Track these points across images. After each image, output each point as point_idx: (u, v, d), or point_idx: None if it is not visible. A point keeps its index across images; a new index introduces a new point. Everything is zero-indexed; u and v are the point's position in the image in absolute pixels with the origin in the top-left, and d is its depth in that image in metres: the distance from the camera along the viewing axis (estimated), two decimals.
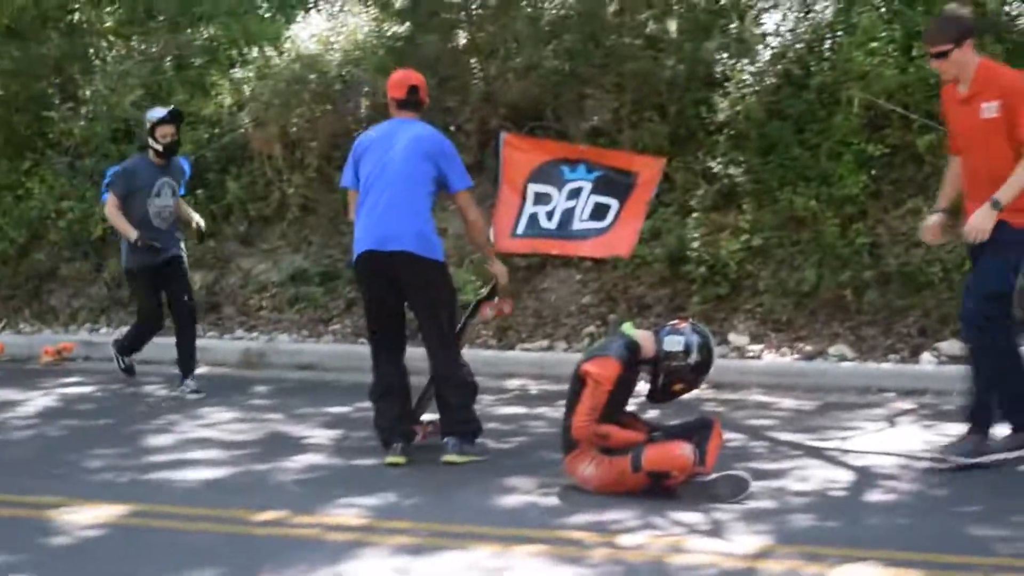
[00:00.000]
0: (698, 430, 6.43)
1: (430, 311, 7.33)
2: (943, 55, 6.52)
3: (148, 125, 9.74)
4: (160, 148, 9.65)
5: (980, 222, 6.27)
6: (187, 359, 9.86)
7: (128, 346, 10.35)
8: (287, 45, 14.60)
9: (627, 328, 6.58)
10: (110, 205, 9.70)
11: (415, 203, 7.21)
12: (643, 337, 6.46)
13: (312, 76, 13.46)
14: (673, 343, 6.38)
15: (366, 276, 7.36)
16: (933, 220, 6.98)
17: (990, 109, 6.42)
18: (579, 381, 6.33)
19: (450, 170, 7.51)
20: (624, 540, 5.48)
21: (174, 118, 9.80)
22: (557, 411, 7.10)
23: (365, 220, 7.24)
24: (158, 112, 9.81)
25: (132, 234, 9.53)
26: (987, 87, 6.48)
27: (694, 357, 6.36)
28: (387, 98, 7.78)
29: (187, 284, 10.13)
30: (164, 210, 9.76)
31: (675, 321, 6.70)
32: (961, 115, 6.69)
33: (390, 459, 7.09)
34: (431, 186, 7.34)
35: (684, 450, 6.12)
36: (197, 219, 10.38)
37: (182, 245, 10.08)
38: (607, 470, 6.23)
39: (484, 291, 7.94)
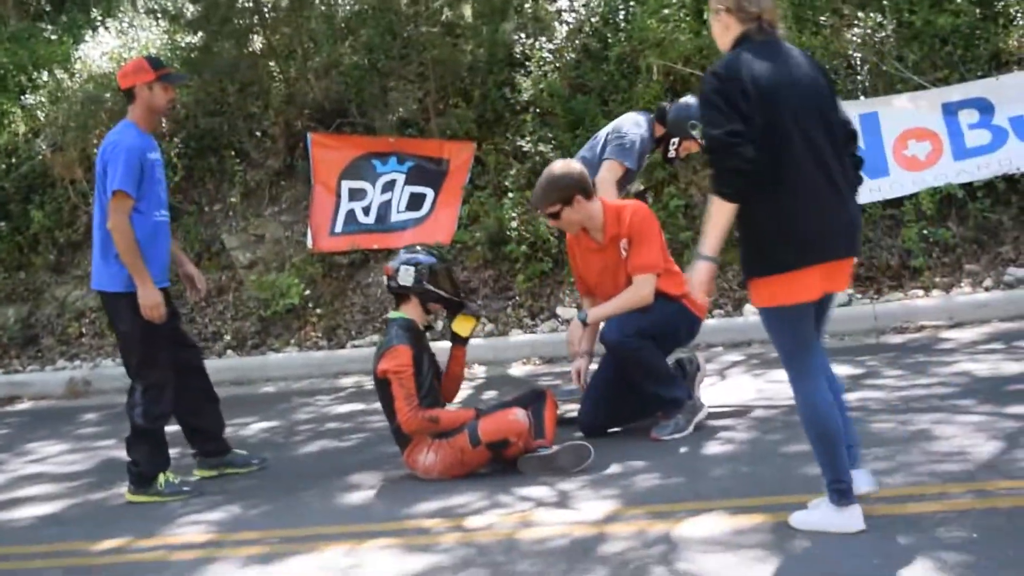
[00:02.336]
0: (531, 402, 6.49)
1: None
2: (555, 216, 6.75)
3: None
4: None
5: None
6: None
7: None
8: (78, 66, 14.22)
9: (391, 313, 6.63)
10: None
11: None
12: (409, 309, 6.51)
13: (107, 95, 13.09)
14: (406, 275, 6.47)
15: None
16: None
17: (625, 247, 6.75)
18: (383, 384, 6.32)
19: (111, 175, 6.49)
20: (473, 522, 5.47)
21: None
22: None
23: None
24: None
25: None
26: (620, 228, 6.75)
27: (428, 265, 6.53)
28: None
29: None
30: None
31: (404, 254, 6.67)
32: (596, 260, 6.93)
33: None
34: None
35: (518, 415, 6.16)
36: None
37: None
38: (447, 452, 6.22)
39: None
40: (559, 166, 6.85)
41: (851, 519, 4.59)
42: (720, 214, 4.47)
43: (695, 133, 7.74)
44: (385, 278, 6.68)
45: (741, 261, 4.70)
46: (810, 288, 4.52)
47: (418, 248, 6.72)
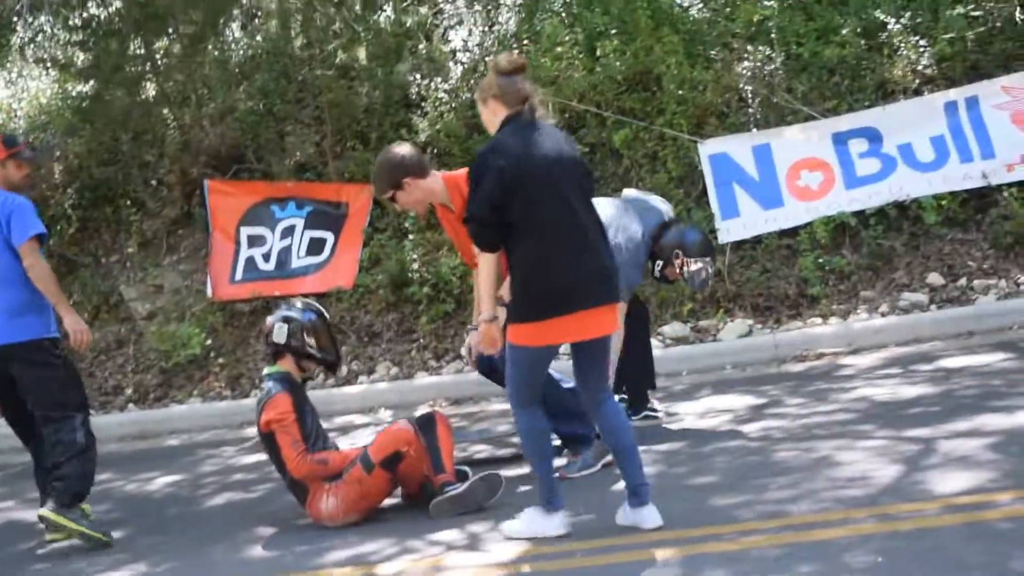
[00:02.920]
0: (422, 427, 6.30)
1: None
2: (393, 200, 6.58)
3: None
4: None
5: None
6: None
7: None
8: None
9: (267, 368, 6.59)
10: None
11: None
12: (285, 364, 6.46)
13: None
14: (280, 333, 6.45)
15: None
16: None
17: None
18: (268, 438, 6.27)
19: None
20: (383, 569, 5.42)
21: None
22: None
23: None
24: None
25: None
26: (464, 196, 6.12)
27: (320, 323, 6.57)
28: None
29: None
30: None
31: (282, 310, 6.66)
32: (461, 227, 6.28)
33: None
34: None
35: (400, 424, 6.19)
36: None
37: None
38: (346, 490, 6.15)
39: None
40: (385, 152, 6.57)
41: (558, 524, 5.35)
42: (484, 262, 5.22)
43: (676, 263, 7.30)
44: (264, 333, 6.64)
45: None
46: (557, 334, 5.13)
47: (298, 304, 6.69)
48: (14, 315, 6.57)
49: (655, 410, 7.65)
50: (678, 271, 7.25)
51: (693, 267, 7.19)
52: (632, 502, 5.28)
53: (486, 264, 5.21)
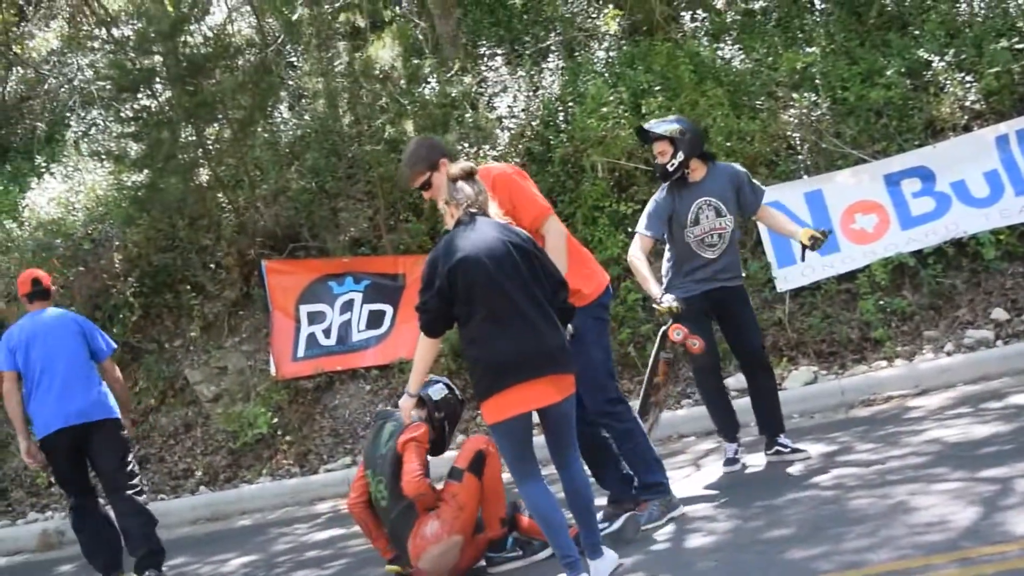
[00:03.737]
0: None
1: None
2: (427, 187, 6.49)
3: None
4: None
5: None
6: None
7: None
8: (26, 214, 14.22)
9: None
10: None
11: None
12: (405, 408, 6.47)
13: (58, 241, 13.12)
14: (438, 390, 6.76)
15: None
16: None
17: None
18: (397, 460, 6.32)
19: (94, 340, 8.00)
20: None
21: None
22: None
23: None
24: None
25: None
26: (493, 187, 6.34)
27: (456, 394, 6.91)
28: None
29: None
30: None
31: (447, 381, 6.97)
32: None
33: None
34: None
35: (471, 437, 6.52)
36: None
37: None
38: (444, 509, 6.23)
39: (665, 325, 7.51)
40: (415, 140, 6.90)
41: None
42: (422, 345, 5.82)
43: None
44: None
45: None
46: (514, 405, 5.52)
47: (457, 391, 6.98)
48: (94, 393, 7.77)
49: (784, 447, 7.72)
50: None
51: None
52: (592, 555, 5.64)
53: (423, 347, 5.83)
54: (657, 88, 12.07)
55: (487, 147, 12.52)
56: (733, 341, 7.68)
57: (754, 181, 7.72)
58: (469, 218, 5.78)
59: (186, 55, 12.86)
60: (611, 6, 14.48)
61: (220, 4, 16.19)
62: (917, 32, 11.94)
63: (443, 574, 6.22)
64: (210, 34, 14.10)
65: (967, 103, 11.11)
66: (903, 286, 10.39)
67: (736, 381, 9.77)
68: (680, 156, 7.39)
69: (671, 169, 7.42)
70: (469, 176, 5.88)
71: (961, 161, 10.60)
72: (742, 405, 8.06)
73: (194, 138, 12.97)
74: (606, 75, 12.73)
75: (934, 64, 11.29)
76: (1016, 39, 11.16)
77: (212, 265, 13.05)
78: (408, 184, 6.75)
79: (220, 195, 13.36)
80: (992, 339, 9.70)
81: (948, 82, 11.17)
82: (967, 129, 11.01)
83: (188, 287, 12.88)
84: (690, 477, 7.96)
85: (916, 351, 9.88)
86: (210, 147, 13.22)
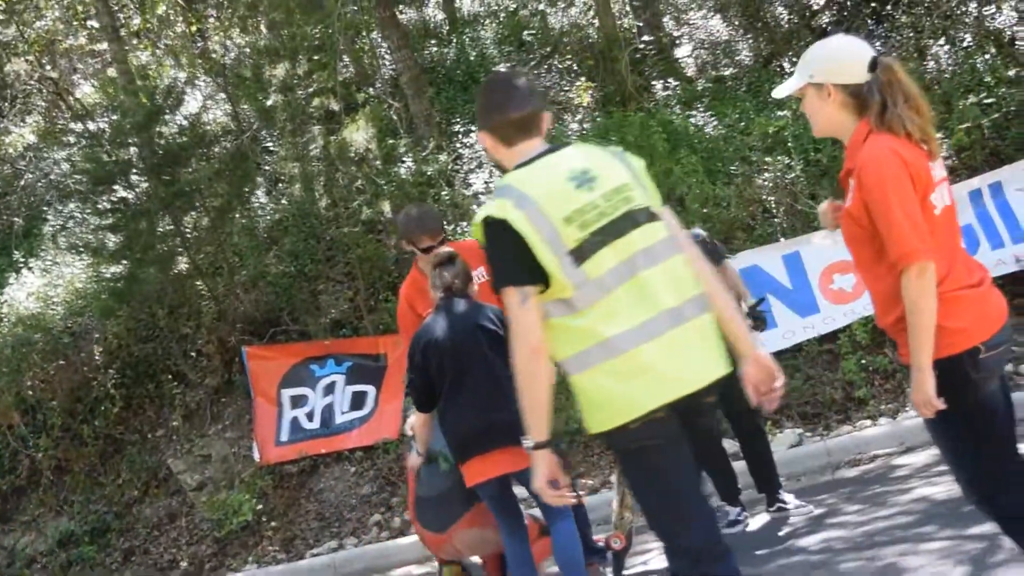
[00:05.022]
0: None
1: None
2: (438, 245, 6.99)
3: None
4: None
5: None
6: None
7: None
8: (4, 310, 14.19)
9: None
10: None
11: None
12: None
13: (37, 335, 13.06)
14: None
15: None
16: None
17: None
18: None
19: None
20: None
21: None
22: None
23: None
24: None
25: None
26: None
27: None
28: None
29: None
30: None
31: None
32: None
33: None
34: None
35: None
36: None
37: None
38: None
39: None
40: (419, 206, 7.86)
41: None
42: (418, 420, 6.51)
43: None
44: None
45: None
46: (484, 471, 6.05)
47: None
48: None
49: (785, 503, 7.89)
50: None
51: None
52: None
53: (419, 420, 6.49)
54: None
55: (464, 223, 12.55)
56: (722, 406, 7.69)
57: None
58: (444, 302, 6.30)
59: (162, 145, 12.91)
60: (583, 79, 14.60)
61: (195, 93, 16.29)
62: None
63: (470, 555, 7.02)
64: (185, 123, 14.15)
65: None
66: (884, 344, 10.37)
67: (729, 445, 9.72)
68: None
69: None
70: (448, 262, 6.38)
71: None
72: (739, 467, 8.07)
73: (172, 227, 12.98)
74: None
75: None
76: (984, 94, 11.25)
77: (193, 353, 13.00)
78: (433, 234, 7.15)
79: (199, 283, 13.34)
80: None
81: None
82: None
83: (169, 376, 12.81)
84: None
85: (899, 408, 9.84)
86: (188, 235, 13.22)
